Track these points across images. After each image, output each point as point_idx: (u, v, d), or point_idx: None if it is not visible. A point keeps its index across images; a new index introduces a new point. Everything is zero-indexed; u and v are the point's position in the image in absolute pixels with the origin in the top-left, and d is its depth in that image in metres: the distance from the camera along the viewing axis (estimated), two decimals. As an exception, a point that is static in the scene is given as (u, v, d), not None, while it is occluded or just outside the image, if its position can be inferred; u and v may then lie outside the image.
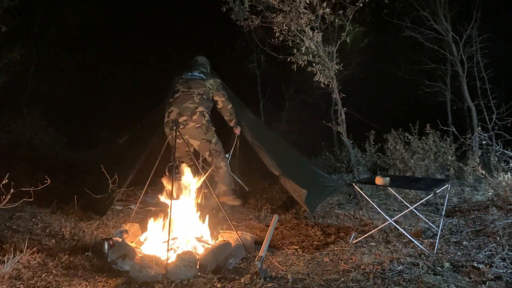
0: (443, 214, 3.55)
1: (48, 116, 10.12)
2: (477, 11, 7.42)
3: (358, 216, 4.18)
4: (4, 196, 2.97)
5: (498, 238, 3.15)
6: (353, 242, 3.34)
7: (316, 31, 5.81)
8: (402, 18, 7.96)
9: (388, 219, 3.28)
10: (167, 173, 5.08)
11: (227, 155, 5.72)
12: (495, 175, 4.66)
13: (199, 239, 3.27)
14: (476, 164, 5.02)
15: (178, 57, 11.37)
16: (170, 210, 3.12)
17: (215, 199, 3.67)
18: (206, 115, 4.03)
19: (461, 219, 3.87)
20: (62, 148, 9.25)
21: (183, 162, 4.07)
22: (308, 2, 5.51)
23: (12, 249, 2.88)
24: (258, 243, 3.33)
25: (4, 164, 5.78)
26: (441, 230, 3.37)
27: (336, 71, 6.13)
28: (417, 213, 3.74)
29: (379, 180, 3.28)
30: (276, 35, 5.89)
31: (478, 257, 2.87)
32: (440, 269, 2.68)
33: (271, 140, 5.32)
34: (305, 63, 5.99)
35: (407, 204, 3.52)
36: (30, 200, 3.10)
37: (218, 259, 2.91)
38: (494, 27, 7.99)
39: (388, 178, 3.29)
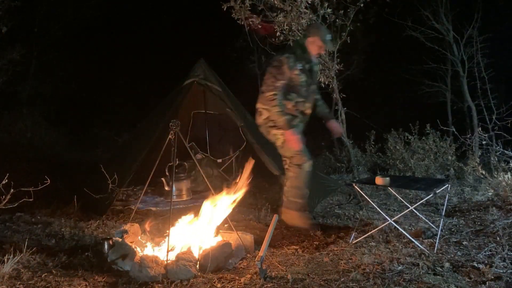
0: (443, 214, 3.55)
1: (48, 116, 10.13)
2: (478, 11, 7.43)
3: (358, 216, 4.18)
4: (4, 196, 2.97)
5: (498, 238, 3.15)
6: (353, 242, 3.34)
7: (317, 31, 5.80)
8: (403, 18, 7.97)
9: (388, 219, 3.27)
10: (167, 173, 5.11)
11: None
12: (495, 175, 4.65)
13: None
14: (476, 164, 5.02)
15: (178, 56, 11.38)
16: (170, 210, 3.11)
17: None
18: (264, 112, 3.64)
19: (461, 219, 3.86)
20: (62, 148, 9.24)
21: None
22: (309, 2, 5.51)
23: (12, 249, 2.88)
24: (258, 243, 3.33)
25: (4, 164, 5.78)
26: (441, 230, 3.37)
27: (337, 71, 6.13)
28: (417, 213, 3.74)
29: (379, 180, 3.28)
30: (277, 34, 5.89)
31: (478, 257, 2.87)
32: (440, 269, 2.68)
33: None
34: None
35: (407, 204, 3.51)
36: (30, 200, 3.10)
37: (218, 259, 2.91)
38: (495, 27, 8.00)
39: (388, 178, 3.29)
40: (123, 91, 11.97)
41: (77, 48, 11.08)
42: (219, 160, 6.46)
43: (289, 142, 3.54)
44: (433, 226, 3.53)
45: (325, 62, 6.01)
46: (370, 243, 3.27)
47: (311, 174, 3.70)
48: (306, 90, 3.67)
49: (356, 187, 3.43)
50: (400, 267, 2.72)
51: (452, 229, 3.57)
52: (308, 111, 3.78)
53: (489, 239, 3.18)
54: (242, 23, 5.94)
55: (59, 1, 10.06)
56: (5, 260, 2.71)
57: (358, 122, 8.60)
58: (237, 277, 2.69)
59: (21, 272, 2.69)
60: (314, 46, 3.62)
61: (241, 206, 4.72)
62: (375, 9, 7.96)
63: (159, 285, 2.62)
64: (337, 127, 4.00)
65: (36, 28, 10.13)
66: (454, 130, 5.20)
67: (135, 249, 3.01)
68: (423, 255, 2.93)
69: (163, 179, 5.10)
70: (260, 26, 5.96)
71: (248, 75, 11.49)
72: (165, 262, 2.79)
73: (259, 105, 3.68)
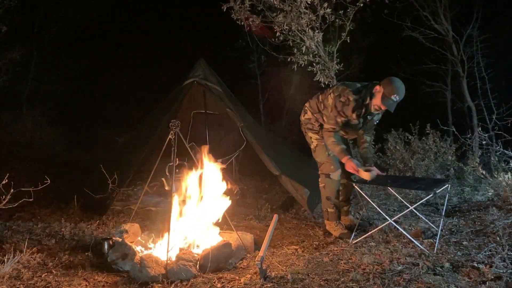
0: (443, 214, 3.55)
1: (48, 116, 10.12)
2: (477, 11, 7.43)
3: (358, 216, 4.18)
4: (4, 196, 2.97)
5: (498, 238, 3.14)
6: (353, 242, 3.34)
7: (317, 31, 5.81)
8: (403, 18, 7.96)
9: (388, 219, 3.27)
10: (167, 173, 5.11)
11: (220, 160, 5.65)
12: (495, 175, 4.65)
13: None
14: (476, 164, 5.01)
15: (178, 56, 11.38)
16: (170, 211, 3.12)
17: None
18: (308, 112, 3.71)
19: (461, 219, 3.86)
20: (62, 148, 9.24)
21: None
22: (309, 2, 5.51)
23: (12, 249, 2.89)
24: (258, 243, 3.33)
25: (4, 164, 5.78)
26: (441, 230, 3.37)
27: (337, 71, 6.13)
28: (417, 213, 3.74)
29: (363, 174, 3.26)
30: (277, 34, 5.89)
31: (478, 257, 2.87)
32: (440, 269, 2.68)
33: (270, 141, 5.32)
34: (306, 63, 5.98)
35: (407, 204, 3.51)
36: (30, 200, 3.10)
37: (218, 259, 2.91)
38: (495, 27, 7.99)
39: (374, 172, 3.28)
40: (123, 91, 11.97)
41: (77, 48, 11.08)
42: (219, 160, 6.46)
43: (348, 168, 3.42)
44: (433, 226, 3.53)
45: (325, 62, 6.00)
46: (370, 243, 3.28)
47: (339, 183, 3.66)
48: (354, 130, 3.64)
49: (356, 187, 3.43)
50: (400, 267, 2.72)
51: (452, 229, 3.57)
52: (349, 137, 3.80)
53: (489, 239, 3.17)
54: (242, 23, 5.94)
55: (59, 1, 10.06)
56: (5, 260, 2.71)
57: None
58: (237, 277, 2.69)
59: (21, 272, 2.70)
60: (378, 97, 3.34)
61: (241, 206, 4.73)
62: (373, 7, 7.96)
63: (159, 285, 2.62)
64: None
65: (36, 28, 10.13)
66: (454, 130, 5.20)
67: (135, 249, 3.01)
68: (423, 255, 2.93)
69: (163, 179, 5.10)
70: (258, 27, 5.95)
71: (248, 75, 11.49)
72: (165, 262, 2.79)
73: (307, 105, 3.74)
